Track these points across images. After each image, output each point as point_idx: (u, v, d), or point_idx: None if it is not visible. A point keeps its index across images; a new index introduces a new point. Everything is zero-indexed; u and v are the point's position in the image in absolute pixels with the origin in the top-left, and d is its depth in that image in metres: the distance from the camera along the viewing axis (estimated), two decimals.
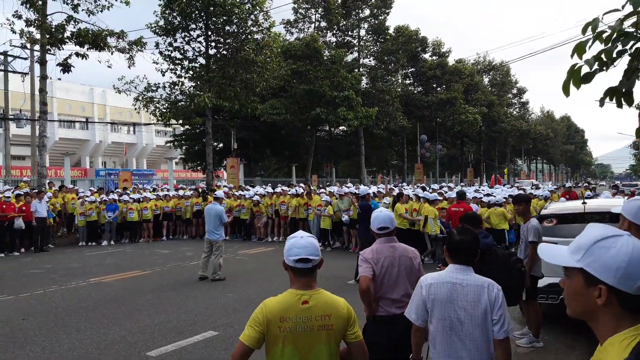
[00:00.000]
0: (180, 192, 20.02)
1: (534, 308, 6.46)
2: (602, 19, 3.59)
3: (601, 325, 1.49)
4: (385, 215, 4.20)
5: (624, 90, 3.74)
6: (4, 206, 15.29)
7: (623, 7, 3.50)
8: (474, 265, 3.25)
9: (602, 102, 3.81)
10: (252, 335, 2.64)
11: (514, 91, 65.56)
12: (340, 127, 37.18)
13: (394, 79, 39.97)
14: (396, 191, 16.10)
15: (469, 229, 3.49)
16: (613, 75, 3.64)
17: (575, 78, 3.54)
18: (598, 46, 3.65)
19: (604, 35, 3.71)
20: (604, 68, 3.72)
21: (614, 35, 3.60)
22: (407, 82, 44.85)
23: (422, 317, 3.21)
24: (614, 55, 3.59)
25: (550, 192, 18.59)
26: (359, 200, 13.15)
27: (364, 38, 38.03)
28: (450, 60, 45.57)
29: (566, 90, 3.58)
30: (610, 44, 3.68)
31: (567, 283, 1.57)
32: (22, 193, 16.28)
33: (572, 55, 3.62)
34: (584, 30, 3.63)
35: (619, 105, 3.75)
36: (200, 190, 20.54)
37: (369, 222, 4.33)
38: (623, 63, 3.69)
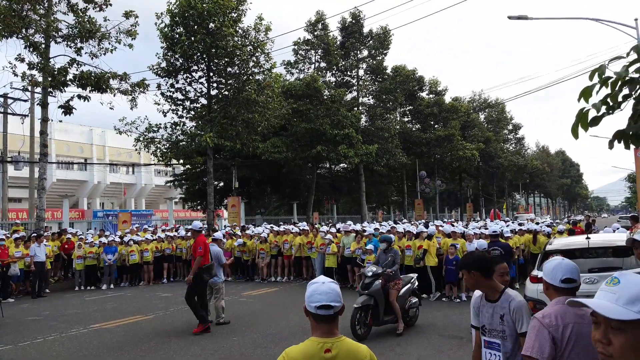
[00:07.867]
0: (182, 232, 19.67)
1: None
2: (608, 65, 3.68)
3: None
4: (571, 264, 3.17)
5: (631, 132, 3.80)
6: None
7: (628, 54, 3.60)
8: None
9: (611, 145, 3.86)
10: None
11: (510, 127, 66.05)
12: (341, 164, 37.38)
13: (392, 117, 40.36)
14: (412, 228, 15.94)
15: None
16: (618, 118, 3.71)
17: (584, 121, 3.60)
18: (604, 91, 3.73)
19: (610, 81, 3.79)
20: (611, 112, 3.79)
21: (620, 82, 3.68)
22: (406, 119, 45.31)
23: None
24: (620, 99, 3.67)
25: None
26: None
27: (363, 78, 38.59)
28: (447, 98, 46.12)
29: (575, 133, 3.64)
30: (616, 89, 3.75)
31: (618, 337, 1.50)
32: (20, 237, 16.03)
33: (579, 99, 3.69)
34: (591, 77, 3.71)
35: (627, 147, 3.83)
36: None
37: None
38: (629, 106, 3.77)
